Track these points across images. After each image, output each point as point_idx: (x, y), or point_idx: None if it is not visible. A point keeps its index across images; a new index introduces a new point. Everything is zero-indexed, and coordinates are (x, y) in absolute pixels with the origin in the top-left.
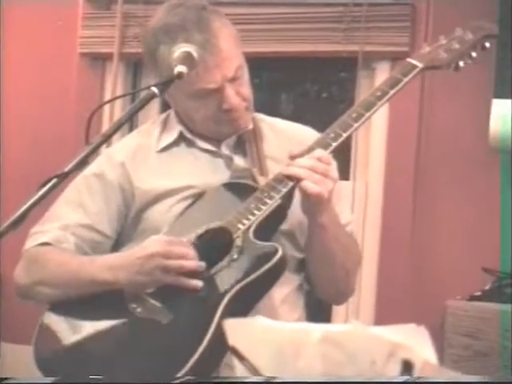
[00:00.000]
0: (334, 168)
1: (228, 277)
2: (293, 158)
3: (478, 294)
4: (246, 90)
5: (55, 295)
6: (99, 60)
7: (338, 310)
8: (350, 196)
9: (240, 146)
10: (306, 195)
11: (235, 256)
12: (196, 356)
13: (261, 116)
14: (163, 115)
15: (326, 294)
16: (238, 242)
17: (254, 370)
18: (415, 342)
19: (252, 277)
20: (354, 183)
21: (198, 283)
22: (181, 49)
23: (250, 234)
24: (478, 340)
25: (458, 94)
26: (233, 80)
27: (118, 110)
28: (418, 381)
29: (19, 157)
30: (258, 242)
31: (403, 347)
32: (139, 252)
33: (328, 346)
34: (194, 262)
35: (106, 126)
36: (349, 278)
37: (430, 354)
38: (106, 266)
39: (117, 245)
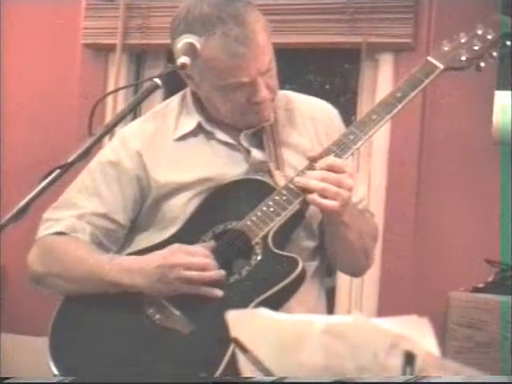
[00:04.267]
0: (348, 175)
1: (248, 288)
2: (311, 159)
3: (481, 285)
4: (275, 81)
5: (71, 289)
6: (102, 51)
7: (341, 302)
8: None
9: (257, 137)
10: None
11: (254, 264)
12: (220, 369)
13: (278, 95)
14: (179, 96)
15: (345, 271)
16: (257, 249)
17: (257, 362)
18: (417, 334)
19: (273, 290)
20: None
21: (219, 293)
22: (184, 40)
23: (269, 240)
24: (480, 331)
25: (462, 84)
26: (264, 73)
27: (121, 101)
28: (419, 381)
29: (22, 148)
30: (278, 252)
31: (405, 339)
32: (160, 260)
33: (330, 338)
34: (214, 273)
35: (109, 117)
36: (368, 255)
37: (432, 345)
38: (124, 269)
39: (130, 233)
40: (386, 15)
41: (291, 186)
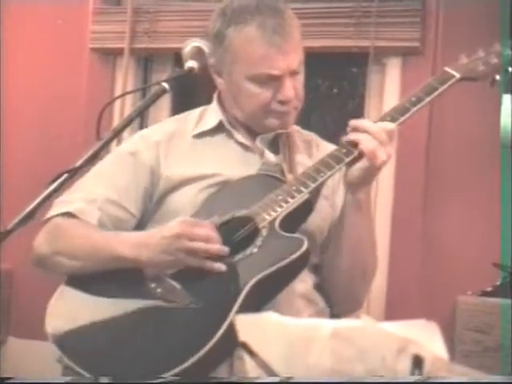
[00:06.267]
0: (393, 144)
1: (251, 265)
2: (352, 125)
3: (489, 289)
4: (301, 88)
5: (74, 267)
6: (110, 55)
7: None
8: None
9: (274, 145)
10: (366, 156)
11: (260, 245)
12: (212, 342)
13: (295, 127)
14: (203, 107)
15: (336, 297)
16: (264, 232)
17: (265, 366)
18: (425, 338)
19: (276, 266)
20: None
21: (222, 266)
22: (191, 44)
23: (276, 224)
24: (488, 335)
25: (469, 87)
26: (293, 74)
27: (129, 106)
28: (427, 381)
29: (29, 152)
30: (284, 233)
31: (413, 343)
32: (164, 232)
33: (338, 342)
34: (218, 246)
35: (116, 122)
36: (364, 281)
37: (441, 349)
38: (129, 243)
39: (139, 225)
40: (394, 19)
41: (302, 178)
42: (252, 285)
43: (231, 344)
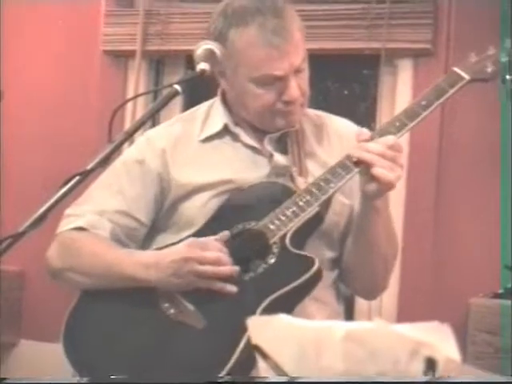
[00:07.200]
0: (402, 155)
1: (264, 285)
2: (361, 141)
3: (501, 291)
4: (306, 85)
5: (87, 284)
6: (122, 57)
7: (361, 308)
8: None
9: (282, 143)
10: (376, 181)
11: (271, 263)
12: (228, 366)
13: (306, 111)
14: (208, 103)
15: (359, 286)
16: (275, 248)
17: (277, 368)
18: (438, 340)
19: (287, 288)
20: None
21: (233, 288)
22: (203, 46)
23: (287, 240)
24: (500, 337)
25: (481, 90)
26: (297, 72)
27: (141, 108)
28: (439, 381)
29: (42, 154)
30: (295, 251)
31: (426, 345)
32: (174, 255)
33: (351, 344)
34: (228, 268)
35: (128, 124)
36: (386, 270)
37: (453, 351)
38: (140, 264)
39: (151, 232)
40: (405, 21)
41: (312, 189)
42: (265, 305)
43: (248, 367)
